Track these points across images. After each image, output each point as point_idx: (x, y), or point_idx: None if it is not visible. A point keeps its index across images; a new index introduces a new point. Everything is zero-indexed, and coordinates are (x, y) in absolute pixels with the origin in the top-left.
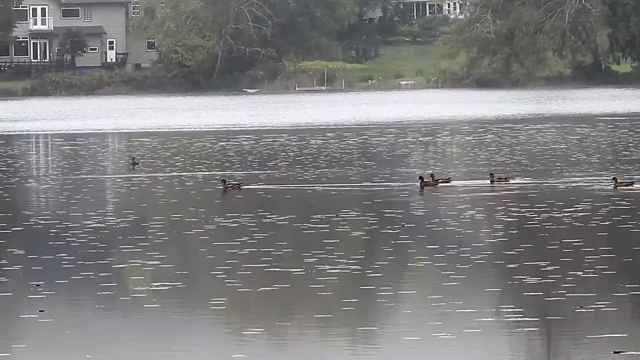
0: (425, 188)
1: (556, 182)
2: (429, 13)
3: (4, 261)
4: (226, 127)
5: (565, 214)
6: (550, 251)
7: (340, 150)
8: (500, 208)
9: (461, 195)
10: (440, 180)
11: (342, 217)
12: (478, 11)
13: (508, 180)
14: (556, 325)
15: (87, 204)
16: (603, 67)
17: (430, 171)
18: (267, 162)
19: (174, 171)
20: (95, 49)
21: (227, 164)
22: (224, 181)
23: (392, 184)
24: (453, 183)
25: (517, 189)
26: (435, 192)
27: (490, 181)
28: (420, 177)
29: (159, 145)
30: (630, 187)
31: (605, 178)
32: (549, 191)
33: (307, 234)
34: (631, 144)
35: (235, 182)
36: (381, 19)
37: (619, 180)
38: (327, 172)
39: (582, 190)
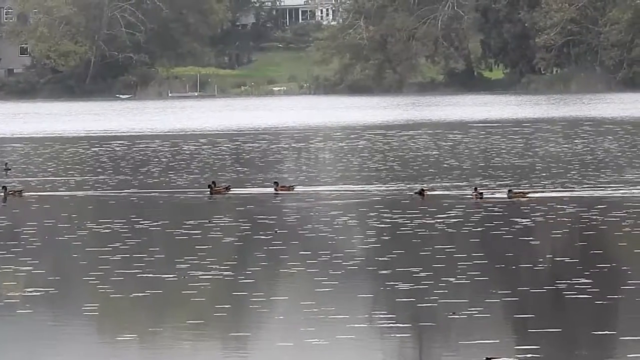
0: (214, 195)
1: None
2: (302, 19)
3: None
4: (99, 133)
5: (438, 221)
6: (422, 257)
7: (213, 156)
8: (372, 214)
9: (333, 201)
10: (225, 188)
11: (214, 222)
12: (351, 17)
13: (292, 189)
14: (428, 331)
15: None
16: (475, 73)
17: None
18: (140, 167)
19: (46, 177)
20: None
21: (99, 170)
22: (4, 187)
23: (265, 190)
24: (235, 190)
25: (300, 197)
26: (226, 198)
27: (275, 189)
28: (209, 185)
29: (31, 151)
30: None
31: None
32: (421, 197)
33: (179, 239)
34: (503, 150)
35: (16, 189)
36: (254, 25)
37: (425, 189)
38: (200, 178)
39: (454, 197)
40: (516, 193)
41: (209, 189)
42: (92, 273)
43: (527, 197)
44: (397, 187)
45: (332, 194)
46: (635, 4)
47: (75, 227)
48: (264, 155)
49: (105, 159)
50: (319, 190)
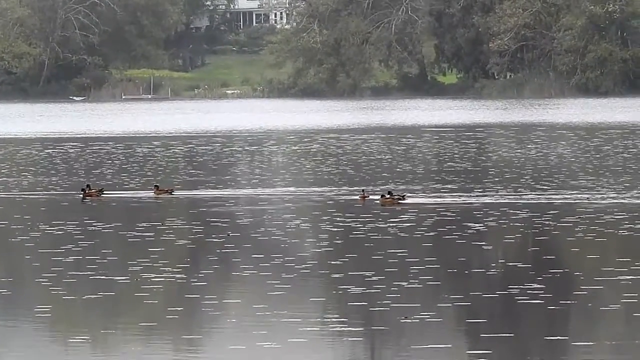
0: (87, 198)
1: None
2: (256, 22)
3: None
4: (52, 135)
5: (390, 225)
6: (375, 261)
7: (166, 159)
8: (325, 218)
9: (286, 204)
10: (97, 191)
11: (167, 225)
12: (305, 21)
13: (172, 192)
14: (381, 335)
15: None
16: (429, 77)
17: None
18: (93, 169)
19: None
20: None
21: (52, 172)
22: None
23: (219, 192)
24: (107, 193)
25: (180, 200)
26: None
27: (155, 192)
28: (83, 189)
29: None
30: (366, 200)
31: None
32: (374, 202)
33: (132, 242)
34: (456, 155)
35: None
36: (208, 28)
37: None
38: (153, 180)
39: (406, 202)
40: (387, 199)
41: (82, 192)
42: (45, 275)
43: (399, 203)
44: (350, 190)
45: (285, 197)
46: (589, 10)
47: (28, 229)
48: (217, 158)
49: (59, 161)
50: (247, 194)
